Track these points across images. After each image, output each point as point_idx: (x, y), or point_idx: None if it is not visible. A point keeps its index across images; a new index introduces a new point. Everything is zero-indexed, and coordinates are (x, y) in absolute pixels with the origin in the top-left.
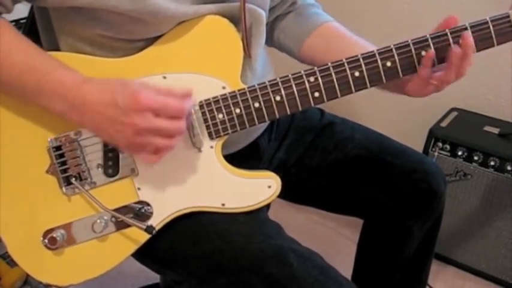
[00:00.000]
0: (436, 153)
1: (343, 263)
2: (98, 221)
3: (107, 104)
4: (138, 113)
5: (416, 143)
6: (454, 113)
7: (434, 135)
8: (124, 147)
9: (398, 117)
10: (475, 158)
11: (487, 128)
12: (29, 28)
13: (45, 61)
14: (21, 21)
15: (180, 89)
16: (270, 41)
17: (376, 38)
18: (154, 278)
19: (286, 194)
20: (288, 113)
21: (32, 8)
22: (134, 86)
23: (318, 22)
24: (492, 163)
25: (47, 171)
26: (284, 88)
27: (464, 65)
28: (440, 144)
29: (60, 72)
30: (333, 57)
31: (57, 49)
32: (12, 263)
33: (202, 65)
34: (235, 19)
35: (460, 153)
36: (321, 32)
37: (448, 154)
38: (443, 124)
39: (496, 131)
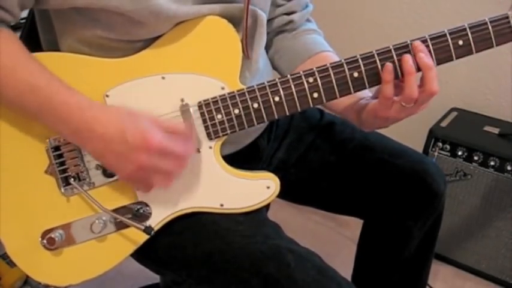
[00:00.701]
0: (436, 153)
1: (343, 263)
2: (97, 221)
3: (114, 138)
4: (145, 152)
5: (416, 143)
6: (454, 113)
7: (434, 135)
8: (123, 177)
9: None
10: (475, 158)
11: (487, 128)
12: (29, 28)
13: (48, 82)
14: (21, 21)
15: (182, 127)
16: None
17: (376, 38)
18: (154, 278)
19: (286, 194)
20: (287, 113)
21: (31, 9)
22: (144, 123)
23: (314, 50)
24: (492, 163)
25: (46, 172)
26: (283, 89)
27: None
28: (440, 144)
29: (64, 95)
30: None
31: (57, 49)
32: (12, 263)
33: (201, 66)
34: (236, 20)
35: (460, 153)
36: (316, 61)
37: (448, 154)
38: (443, 124)
39: (496, 131)
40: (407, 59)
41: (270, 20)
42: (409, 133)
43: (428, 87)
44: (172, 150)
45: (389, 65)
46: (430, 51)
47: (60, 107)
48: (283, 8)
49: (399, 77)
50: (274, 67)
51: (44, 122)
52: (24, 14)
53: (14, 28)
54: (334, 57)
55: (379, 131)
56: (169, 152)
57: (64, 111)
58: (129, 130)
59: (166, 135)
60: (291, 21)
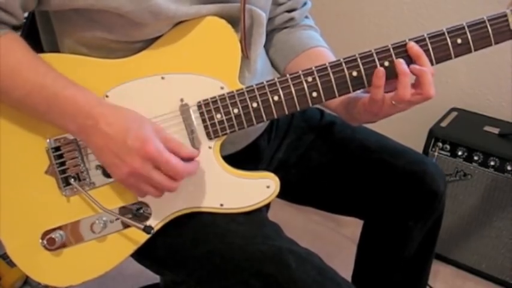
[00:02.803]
0: (436, 153)
1: (343, 263)
2: (97, 221)
3: (116, 137)
4: (140, 158)
5: (416, 143)
6: (454, 113)
7: (434, 135)
8: (117, 178)
9: (398, 117)
10: (475, 158)
11: (487, 128)
12: (28, 29)
13: (54, 80)
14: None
15: (188, 150)
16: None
17: (376, 38)
18: (154, 278)
19: (286, 194)
20: (286, 113)
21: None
22: (147, 131)
23: (309, 44)
24: (492, 163)
25: (46, 172)
26: (282, 88)
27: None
28: (440, 144)
29: (71, 90)
30: None
31: (57, 50)
32: (12, 263)
33: (200, 66)
34: (235, 20)
35: (460, 153)
36: (310, 55)
37: (448, 154)
38: (443, 124)
39: (496, 131)
40: (402, 60)
41: (271, 18)
42: (409, 133)
43: (425, 91)
44: (168, 164)
45: (380, 70)
46: (428, 50)
47: (69, 102)
48: (284, 6)
49: (396, 76)
50: (270, 62)
51: (51, 119)
52: (24, 14)
53: (14, 29)
54: (328, 53)
55: (379, 131)
56: (163, 163)
57: (72, 106)
58: (132, 133)
59: (168, 143)
60: (291, 19)
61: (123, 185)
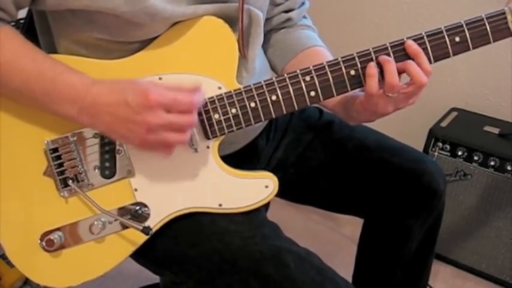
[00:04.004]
0: (436, 153)
1: (343, 263)
2: (96, 222)
3: (117, 104)
4: (149, 110)
5: (416, 143)
6: (454, 113)
7: (434, 135)
8: (138, 144)
9: (398, 117)
10: (475, 158)
11: (487, 128)
12: (27, 30)
13: (52, 66)
14: (21, 21)
15: (189, 85)
16: None
17: (375, 37)
18: (154, 278)
19: (285, 193)
20: (284, 112)
21: (30, 10)
22: (143, 84)
23: (307, 44)
24: (492, 163)
25: (44, 173)
26: (280, 88)
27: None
28: (440, 144)
29: (69, 75)
30: None
31: (55, 51)
32: (12, 263)
33: (197, 66)
34: (232, 20)
35: (460, 153)
36: (308, 54)
37: (448, 154)
38: (443, 124)
39: (496, 131)
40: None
41: (269, 19)
42: (409, 133)
43: (417, 79)
44: (176, 100)
45: (372, 62)
46: (426, 48)
47: (66, 87)
48: (282, 7)
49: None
50: (269, 62)
51: (51, 107)
52: (23, 14)
53: None
54: (326, 52)
55: (378, 131)
56: (173, 103)
57: (70, 90)
58: (130, 93)
59: (167, 90)
60: (289, 19)
61: (149, 150)
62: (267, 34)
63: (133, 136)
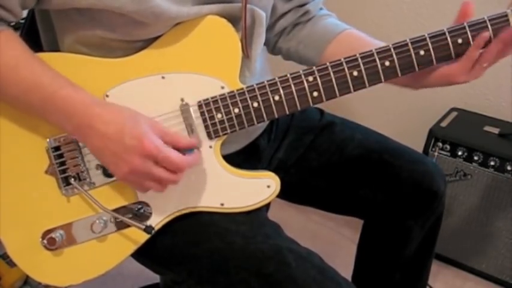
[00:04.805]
0: (436, 153)
1: (343, 263)
2: (97, 221)
3: (113, 137)
4: (139, 156)
5: (416, 143)
6: (454, 113)
7: (434, 135)
8: (118, 177)
9: (398, 117)
10: (475, 158)
11: (487, 128)
12: (28, 28)
13: (51, 79)
14: (21, 21)
15: (186, 140)
16: (287, 54)
17: (376, 37)
18: (154, 278)
19: (286, 194)
20: (287, 112)
21: (31, 9)
22: (143, 127)
23: (337, 30)
24: (492, 163)
25: (46, 172)
26: (283, 88)
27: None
28: (440, 144)
29: (67, 90)
30: None
31: (57, 49)
32: (12, 263)
33: (201, 65)
34: (236, 19)
35: (460, 153)
36: (343, 39)
37: (448, 154)
38: (443, 124)
39: (496, 131)
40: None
41: (284, 15)
42: (409, 133)
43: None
44: (168, 159)
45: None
46: (429, 50)
47: (64, 102)
48: (295, 1)
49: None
50: (302, 59)
51: (47, 118)
52: (24, 13)
53: (13, 28)
54: (358, 33)
55: (379, 131)
56: (163, 159)
57: (67, 106)
58: (128, 132)
59: (165, 137)
60: (306, 12)
61: (125, 183)
62: (291, 31)
63: (116, 169)
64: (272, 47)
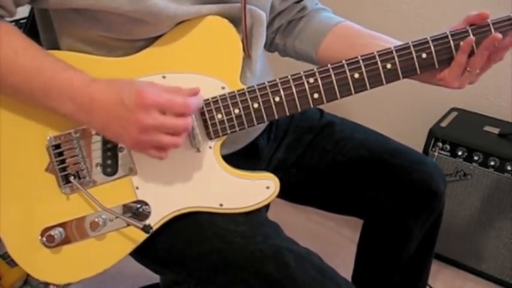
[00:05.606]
0: (436, 153)
1: (343, 263)
2: (96, 219)
3: (114, 102)
4: (143, 109)
5: (416, 143)
6: (454, 113)
7: (434, 135)
8: (130, 145)
9: (398, 117)
10: (475, 158)
11: (487, 128)
12: (29, 28)
13: (52, 63)
14: (21, 21)
15: (187, 88)
16: (283, 51)
17: None
18: (154, 278)
19: (285, 194)
20: (287, 114)
21: (32, 9)
22: (140, 84)
23: (332, 23)
24: (492, 163)
25: (46, 170)
26: (283, 89)
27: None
28: (440, 144)
29: (68, 73)
30: (356, 53)
31: (57, 48)
32: (12, 263)
33: (201, 65)
34: (236, 20)
35: (460, 153)
36: (338, 32)
37: (448, 154)
38: (443, 124)
39: (496, 131)
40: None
41: (282, 12)
42: (409, 133)
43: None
44: (171, 102)
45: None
46: (431, 53)
47: (65, 84)
48: None
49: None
50: (299, 55)
51: (49, 104)
52: (25, 13)
53: None
54: (352, 25)
55: (379, 131)
56: (168, 105)
57: (69, 87)
58: (126, 92)
59: (163, 91)
60: (303, 8)
61: (140, 151)
62: (287, 27)
63: (127, 135)
64: (269, 44)
